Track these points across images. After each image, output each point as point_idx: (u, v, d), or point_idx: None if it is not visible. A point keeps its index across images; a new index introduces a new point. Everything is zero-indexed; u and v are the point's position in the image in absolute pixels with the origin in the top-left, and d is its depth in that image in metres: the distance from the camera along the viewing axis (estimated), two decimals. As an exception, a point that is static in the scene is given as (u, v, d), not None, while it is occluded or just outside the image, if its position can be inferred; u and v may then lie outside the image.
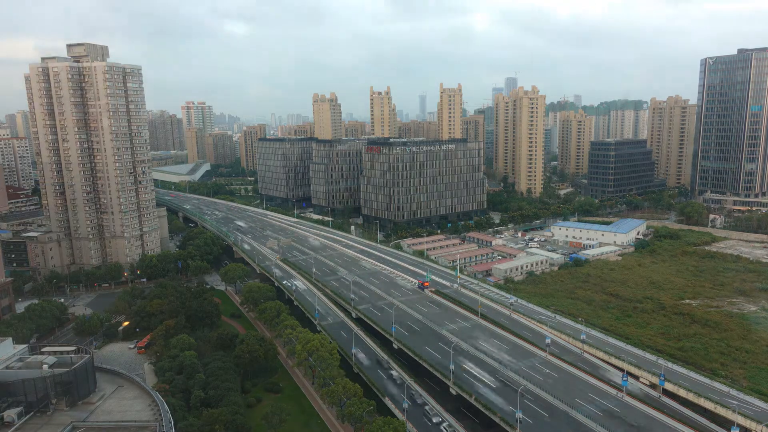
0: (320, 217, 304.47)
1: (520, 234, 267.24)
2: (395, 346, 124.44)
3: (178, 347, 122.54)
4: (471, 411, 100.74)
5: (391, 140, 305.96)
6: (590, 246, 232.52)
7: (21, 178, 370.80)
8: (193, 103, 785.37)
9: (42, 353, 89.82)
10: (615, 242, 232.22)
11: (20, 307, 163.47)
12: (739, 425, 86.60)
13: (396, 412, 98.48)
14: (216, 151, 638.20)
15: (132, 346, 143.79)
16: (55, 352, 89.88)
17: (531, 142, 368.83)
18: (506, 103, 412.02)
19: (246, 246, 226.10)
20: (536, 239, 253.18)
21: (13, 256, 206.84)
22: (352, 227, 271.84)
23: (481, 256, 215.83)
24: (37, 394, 78.54)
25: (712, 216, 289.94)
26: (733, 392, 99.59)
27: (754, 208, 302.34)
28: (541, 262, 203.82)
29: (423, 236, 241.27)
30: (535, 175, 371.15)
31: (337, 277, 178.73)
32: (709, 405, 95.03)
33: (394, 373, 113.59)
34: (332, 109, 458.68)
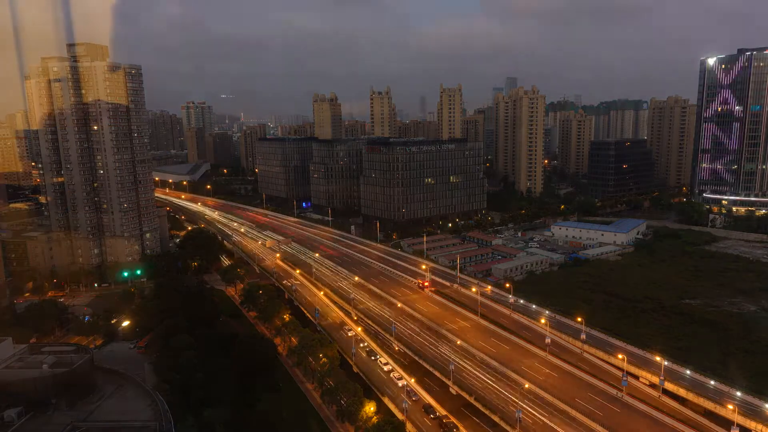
0: (320, 216, 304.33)
1: (520, 234, 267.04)
2: (395, 346, 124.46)
3: (178, 347, 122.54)
4: (470, 410, 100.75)
5: (391, 140, 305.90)
6: (590, 246, 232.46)
7: (21, 178, 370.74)
8: (193, 103, 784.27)
9: (42, 353, 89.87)
10: (615, 242, 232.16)
11: (20, 307, 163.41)
12: (739, 425, 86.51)
13: (396, 411, 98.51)
14: (216, 151, 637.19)
15: (132, 346, 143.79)
16: (55, 352, 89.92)
17: (531, 142, 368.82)
18: (506, 102, 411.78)
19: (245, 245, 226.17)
20: (536, 239, 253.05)
21: (13, 256, 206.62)
22: (352, 227, 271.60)
23: (481, 255, 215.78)
24: (37, 394, 78.54)
25: (712, 216, 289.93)
26: (733, 392, 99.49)
27: (754, 208, 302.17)
28: (541, 262, 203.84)
29: (423, 236, 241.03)
30: (535, 175, 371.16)
31: (336, 276, 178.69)
32: (709, 405, 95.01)
33: (394, 373, 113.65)
34: (332, 108, 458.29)
